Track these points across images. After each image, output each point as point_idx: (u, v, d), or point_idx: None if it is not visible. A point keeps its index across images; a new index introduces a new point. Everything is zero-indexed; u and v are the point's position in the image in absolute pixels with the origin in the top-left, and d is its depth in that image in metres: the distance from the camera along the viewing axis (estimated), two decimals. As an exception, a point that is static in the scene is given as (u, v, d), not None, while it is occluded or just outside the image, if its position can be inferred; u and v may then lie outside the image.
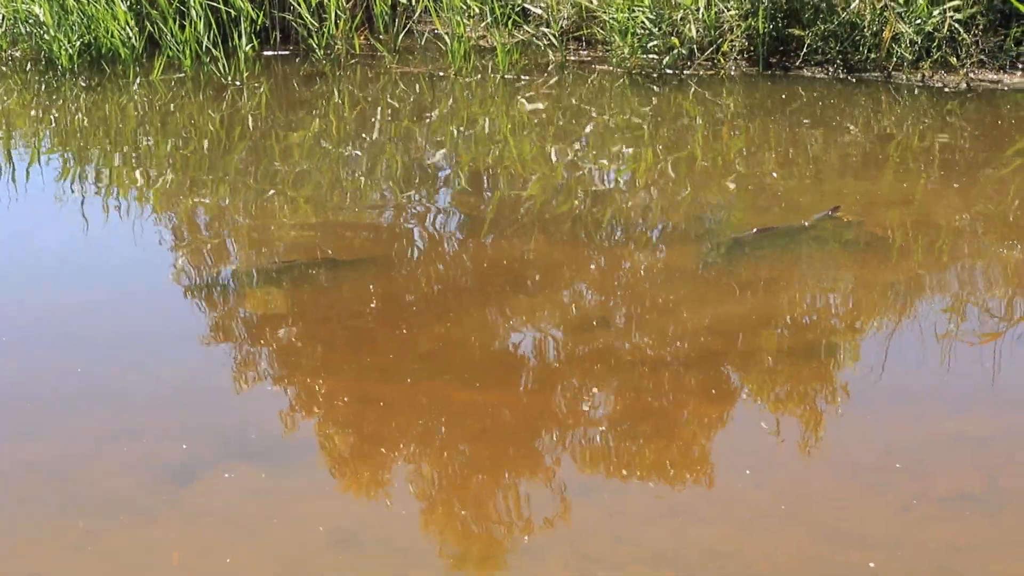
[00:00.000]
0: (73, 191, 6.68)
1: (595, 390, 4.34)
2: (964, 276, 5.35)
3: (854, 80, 8.38)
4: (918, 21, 8.19)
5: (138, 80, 8.95)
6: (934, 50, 8.25)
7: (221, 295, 5.25)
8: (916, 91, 8.15)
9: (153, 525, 3.51)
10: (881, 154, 7.09)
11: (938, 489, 3.63)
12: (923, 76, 8.30)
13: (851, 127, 7.55)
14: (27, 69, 9.33)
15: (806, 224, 5.65)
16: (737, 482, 3.71)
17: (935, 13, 8.17)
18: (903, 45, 8.23)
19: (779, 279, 5.20)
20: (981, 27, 8.28)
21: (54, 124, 8.17)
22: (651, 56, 8.78)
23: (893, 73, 8.37)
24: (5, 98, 8.82)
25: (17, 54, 9.58)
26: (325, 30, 9.52)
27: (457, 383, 4.35)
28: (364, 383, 4.37)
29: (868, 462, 3.79)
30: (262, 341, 4.76)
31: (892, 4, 8.26)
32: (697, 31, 8.56)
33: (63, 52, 9.10)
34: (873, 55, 8.36)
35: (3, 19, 9.61)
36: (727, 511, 3.55)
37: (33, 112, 8.48)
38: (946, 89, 8.14)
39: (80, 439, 3.99)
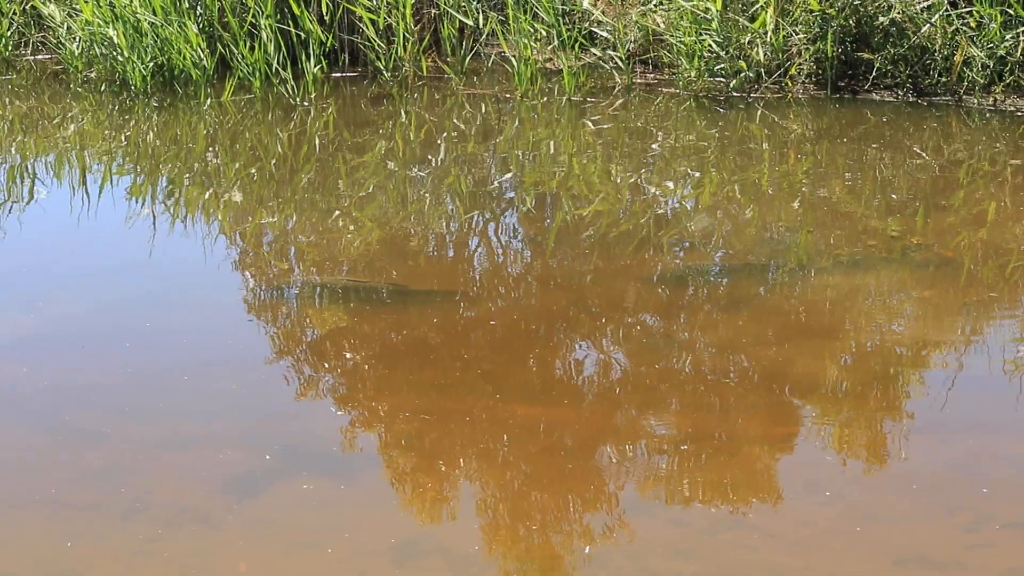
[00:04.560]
0: (143, 209, 6.78)
1: (658, 409, 4.31)
2: (1036, 301, 5.26)
3: (924, 104, 8.29)
4: (990, 45, 8.10)
5: (209, 101, 9.08)
6: (1006, 74, 8.15)
7: (287, 312, 5.29)
8: (988, 115, 8.05)
9: (217, 533, 3.54)
10: (951, 178, 7.00)
11: (1005, 512, 3.56)
12: (995, 100, 8.20)
13: (920, 151, 7.47)
14: (101, 90, 9.49)
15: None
16: (804, 500, 3.66)
17: (1008, 37, 8.07)
18: (975, 69, 8.14)
19: (847, 301, 5.14)
20: (1055, 51, 8.17)
21: (126, 143, 8.30)
22: (718, 79, 8.75)
23: (964, 97, 8.27)
24: (80, 118, 8.98)
25: (92, 75, 9.75)
26: (393, 52, 9.60)
27: (520, 400, 4.35)
28: (427, 399, 4.38)
29: (936, 484, 3.73)
30: (326, 357, 4.79)
31: (964, 28, 8.17)
32: (765, 54, 8.52)
33: (136, 73, 9.25)
34: (944, 79, 8.27)
35: (79, 42, 9.80)
36: (793, 528, 3.51)
37: (107, 132, 8.63)
38: (1019, 113, 8.03)
39: (146, 447, 4.04)
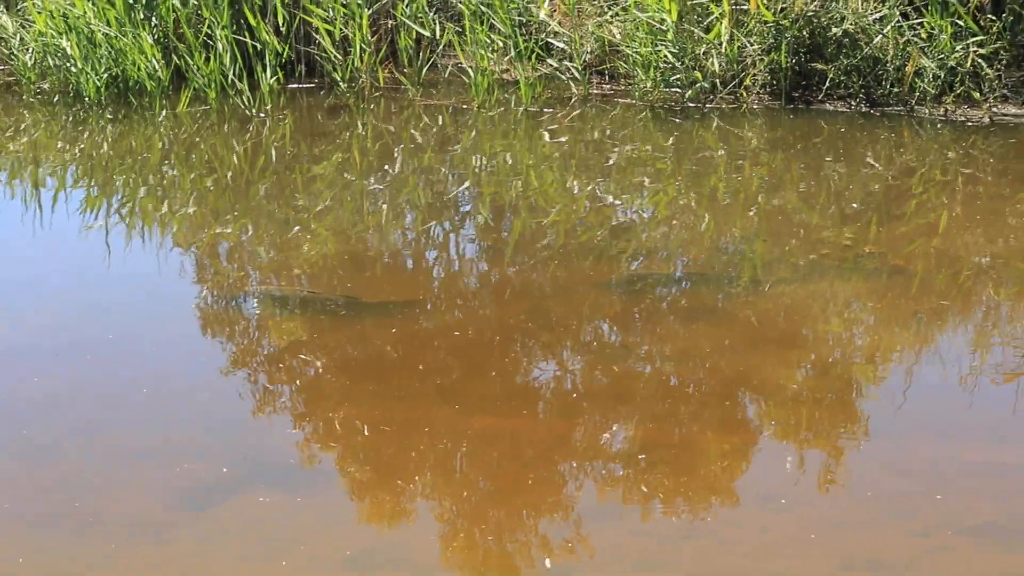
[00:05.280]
0: (97, 222, 6.73)
1: (615, 418, 4.33)
2: (987, 308, 5.33)
3: (877, 114, 8.38)
4: (941, 56, 8.21)
5: (164, 112, 9.03)
6: (957, 85, 8.25)
7: (245, 324, 5.27)
8: (939, 125, 8.15)
9: (173, 547, 3.52)
10: (903, 188, 7.08)
11: (959, 517, 3.60)
12: (946, 110, 8.30)
13: (873, 161, 7.55)
14: (55, 102, 9.42)
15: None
16: (761, 508, 3.69)
17: (958, 48, 8.18)
18: (926, 80, 8.24)
19: (802, 309, 5.19)
20: (1004, 62, 8.29)
21: (80, 156, 8.24)
22: (674, 90, 8.81)
23: (916, 107, 8.37)
24: (33, 130, 8.90)
25: (46, 87, 9.68)
26: (349, 63, 9.60)
27: (479, 411, 4.35)
28: (386, 410, 4.37)
29: (891, 490, 3.77)
30: (284, 369, 4.77)
31: (915, 39, 8.27)
32: (720, 65, 8.59)
33: (91, 85, 9.19)
34: (896, 89, 8.37)
35: (32, 53, 9.73)
36: (751, 536, 3.54)
37: (60, 144, 8.56)
38: (969, 123, 8.13)
39: (100, 460, 4.01)
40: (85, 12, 9.27)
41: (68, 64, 9.39)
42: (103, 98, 9.22)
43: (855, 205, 6.69)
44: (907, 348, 4.84)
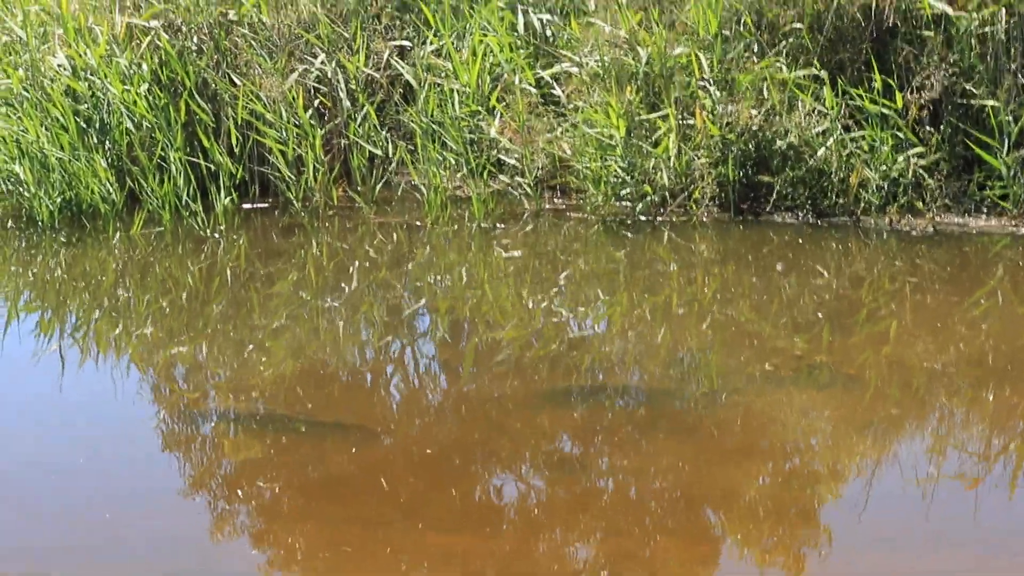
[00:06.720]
0: (50, 346, 6.69)
1: (579, 533, 4.32)
2: (941, 416, 5.40)
3: (824, 225, 8.55)
4: (884, 167, 8.40)
5: (118, 235, 9.04)
6: (900, 195, 8.45)
7: (201, 446, 5.24)
8: (884, 235, 8.31)
9: None
10: (853, 297, 7.20)
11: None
12: (891, 220, 8.48)
13: (822, 271, 7.68)
14: (7, 226, 9.40)
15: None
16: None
17: (900, 160, 8.39)
18: (870, 191, 8.43)
19: (758, 420, 5.23)
20: (945, 173, 8.49)
21: (33, 280, 8.22)
22: (624, 203, 8.94)
23: (861, 217, 8.54)
24: (-15, 254, 8.88)
25: (-3, 211, 9.67)
26: (303, 182, 9.68)
27: (440, 529, 4.34)
28: (345, 531, 4.34)
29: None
30: (241, 491, 4.74)
31: (857, 151, 8.48)
32: (669, 179, 8.74)
33: (43, 209, 9.20)
34: (841, 200, 8.55)
35: (-16, 177, 9.73)
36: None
37: (13, 268, 8.53)
38: (913, 233, 8.30)
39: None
40: (39, 137, 9.31)
41: (20, 189, 9.39)
42: (56, 222, 9.22)
43: (806, 315, 6.78)
44: (864, 457, 4.88)
